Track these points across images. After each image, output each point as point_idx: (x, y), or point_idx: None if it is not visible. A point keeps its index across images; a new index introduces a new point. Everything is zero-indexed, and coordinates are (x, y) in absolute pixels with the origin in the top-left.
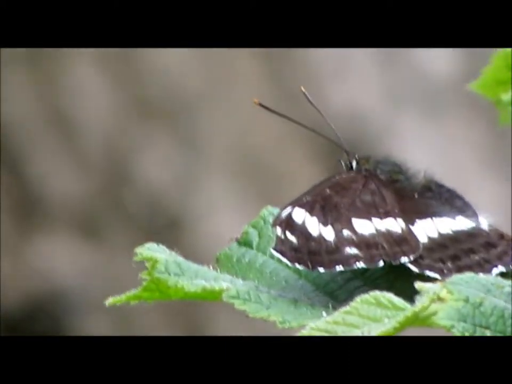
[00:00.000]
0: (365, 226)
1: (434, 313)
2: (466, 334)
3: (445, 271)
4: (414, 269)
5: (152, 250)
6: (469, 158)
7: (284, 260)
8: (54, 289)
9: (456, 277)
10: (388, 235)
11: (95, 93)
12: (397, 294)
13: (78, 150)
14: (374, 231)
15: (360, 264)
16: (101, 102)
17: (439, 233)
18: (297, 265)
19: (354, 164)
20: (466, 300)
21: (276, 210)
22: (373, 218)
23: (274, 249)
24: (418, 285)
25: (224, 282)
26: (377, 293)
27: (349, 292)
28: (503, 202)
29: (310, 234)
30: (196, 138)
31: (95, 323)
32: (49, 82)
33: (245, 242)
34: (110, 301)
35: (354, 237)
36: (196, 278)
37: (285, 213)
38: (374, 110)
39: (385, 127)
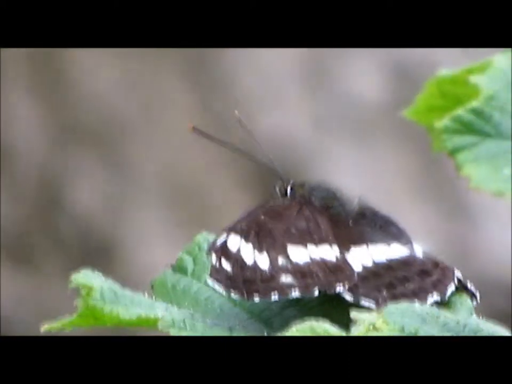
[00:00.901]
0: (299, 255)
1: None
2: None
3: (380, 300)
4: (349, 298)
5: (87, 277)
6: (399, 183)
7: (219, 288)
8: None
9: (391, 307)
10: (323, 264)
11: (27, 118)
12: (333, 323)
13: (9, 175)
14: (308, 260)
15: (296, 293)
16: (32, 127)
17: (374, 262)
18: (232, 294)
19: (288, 190)
20: (402, 330)
21: (210, 237)
22: (308, 246)
23: (210, 277)
24: (353, 314)
25: (159, 310)
26: (312, 322)
27: (284, 320)
28: (433, 227)
29: (245, 263)
30: (128, 164)
31: None
32: None
33: (179, 269)
34: (45, 327)
35: (289, 266)
36: (132, 305)
37: (219, 240)
38: (304, 136)
39: (315, 153)
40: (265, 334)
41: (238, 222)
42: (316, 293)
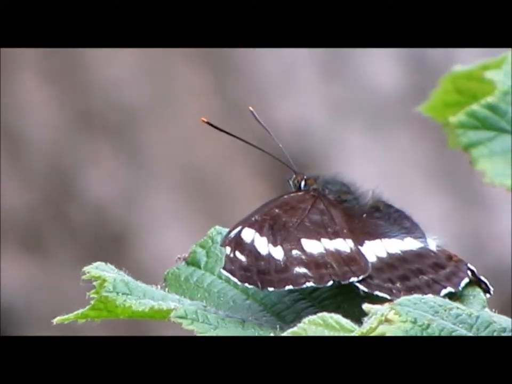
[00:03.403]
0: (314, 246)
1: (382, 335)
2: None
3: (394, 291)
4: (363, 288)
5: (100, 269)
6: (414, 172)
7: (233, 279)
8: None
9: (403, 299)
10: (337, 255)
11: (40, 106)
12: (345, 315)
13: (23, 164)
14: (323, 251)
15: (310, 284)
16: (46, 115)
17: (388, 253)
18: (246, 285)
19: (302, 183)
20: (414, 322)
21: (224, 230)
22: (322, 239)
23: (224, 268)
24: (365, 306)
25: (171, 302)
26: (325, 314)
27: (296, 312)
28: (449, 216)
29: (259, 254)
30: (141, 152)
31: None
32: None
33: (193, 262)
34: (57, 319)
35: (303, 256)
36: (144, 297)
37: (234, 233)
38: (320, 123)
39: (331, 140)
40: (278, 327)
41: (252, 215)
42: (330, 283)
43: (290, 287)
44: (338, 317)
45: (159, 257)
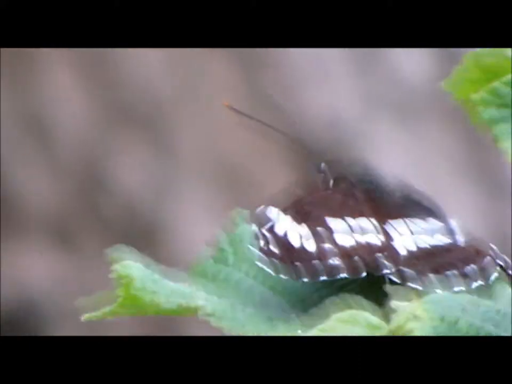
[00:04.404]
0: (346, 236)
1: (410, 332)
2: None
3: (427, 282)
4: (396, 280)
5: (128, 267)
6: (444, 163)
7: (268, 270)
8: (28, 297)
9: (432, 295)
10: (368, 246)
11: (71, 98)
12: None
13: (53, 155)
14: (354, 242)
15: (343, 275)
16: (76, 107)
17: (418, 247)
18: (281, 276)
19: (325, 169)
20: (442, 319)
21: (252, 220)
22: (353, 226)
23: (258, 260)
24: (394, 303)
25: (199, 300)
26: (353, 312)
27: (323, 309)
28: (476, 208)
29: (293, 245)
30: (172, 143)
31: (70, 332)
32: (24, 89)
33: (220, 259)
34: (86, 316)
35: (336, 248)
36: (172, 295)
37: (266, 224)
38: (351, 114)
39: (361, 132)
40: (305, 324)
41: (285, 208)
42: (364, 274)
43: (324, 277)
44: (366, 314)
45: (191, 249)
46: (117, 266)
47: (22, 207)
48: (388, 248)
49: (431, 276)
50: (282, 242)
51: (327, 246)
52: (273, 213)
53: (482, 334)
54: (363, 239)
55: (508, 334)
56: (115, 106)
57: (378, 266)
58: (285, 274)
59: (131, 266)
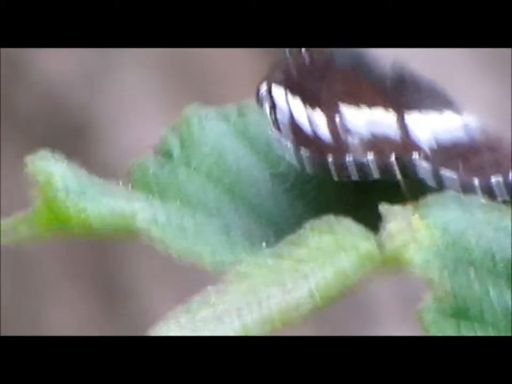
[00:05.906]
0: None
1: (409, 262)
2: (445, 274)
3: (460, 169)
4: (426, 165)
5: (46, 161)
6: (458, 56)
7: (286, 144)
8: None
9: (431, 199)
10: (403, 144)
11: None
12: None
13: None
14: (378, 127)
15: (371, 158)
16: None
17: (436, 137)
18: (301, 152)
19: (305, 54)
20: (444, 230)
21: (205, 110)
22: (362, 105)
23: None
24: (383, 207)
25: (137, 203)
26: (331, 219)
27: (295, 218)
28: (493, 104)
29: (323, 140)
30: None
31: None
32: None
33: (163, 151)
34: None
35: (360, 132)
36: (102, 197)
37: (285, 112)
38: None
39: None
40: (272, 235)
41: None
42: (393, 158)
43: (351, 159)
44: (348, 222)
45: (129, 151)
46: (32, 159)
47: None
48: (416, 147)
49: (460, 165)
50: (312, 138)
51: (358, 140)
52: (280, 95)
53: (495, 249)
54: (384, 129)
55: None
56: None
57: (407, 150)
58: (305, 152)
59: (50, 159)
